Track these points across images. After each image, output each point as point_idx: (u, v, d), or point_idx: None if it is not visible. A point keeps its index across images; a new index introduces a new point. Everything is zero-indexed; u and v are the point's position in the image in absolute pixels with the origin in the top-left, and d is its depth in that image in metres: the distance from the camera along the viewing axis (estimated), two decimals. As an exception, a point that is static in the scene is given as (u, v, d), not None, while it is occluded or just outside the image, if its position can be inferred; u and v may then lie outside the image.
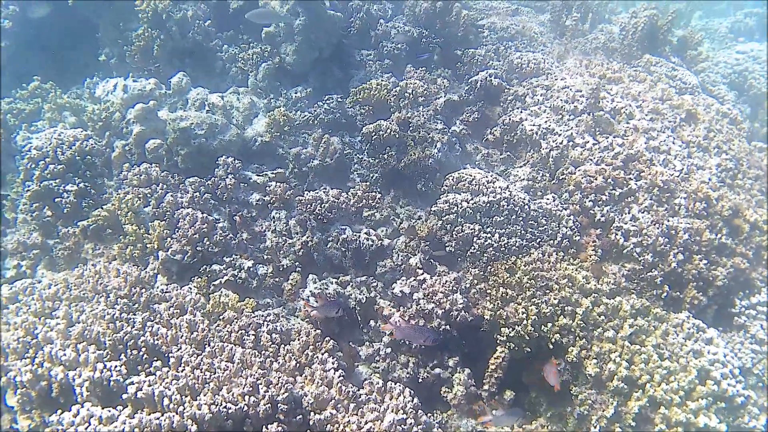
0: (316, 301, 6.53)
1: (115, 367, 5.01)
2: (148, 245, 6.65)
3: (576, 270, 6.71)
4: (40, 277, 6.79)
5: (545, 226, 7.05)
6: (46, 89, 8.95)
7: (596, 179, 7.32)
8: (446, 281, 6.60)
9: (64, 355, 5.04)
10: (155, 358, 5.32)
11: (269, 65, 9.44)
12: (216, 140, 7.95)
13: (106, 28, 9.74)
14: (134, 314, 5.72)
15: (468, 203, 7.04)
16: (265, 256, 7.19)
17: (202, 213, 6.83)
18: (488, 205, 7.01)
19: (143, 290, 5.97)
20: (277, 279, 6.98)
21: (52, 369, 4.96)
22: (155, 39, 9.33)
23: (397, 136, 8.01)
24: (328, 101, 8.91)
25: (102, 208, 6.89)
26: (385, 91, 8.69)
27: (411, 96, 8.52)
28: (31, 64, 9.79)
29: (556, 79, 8.74)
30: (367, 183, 8.01)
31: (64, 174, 7.13)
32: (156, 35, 9.34)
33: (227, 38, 10.08)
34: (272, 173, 7.91)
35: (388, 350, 6.32)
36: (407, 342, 6.26)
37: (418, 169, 7.95)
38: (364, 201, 7.69)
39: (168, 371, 5.04)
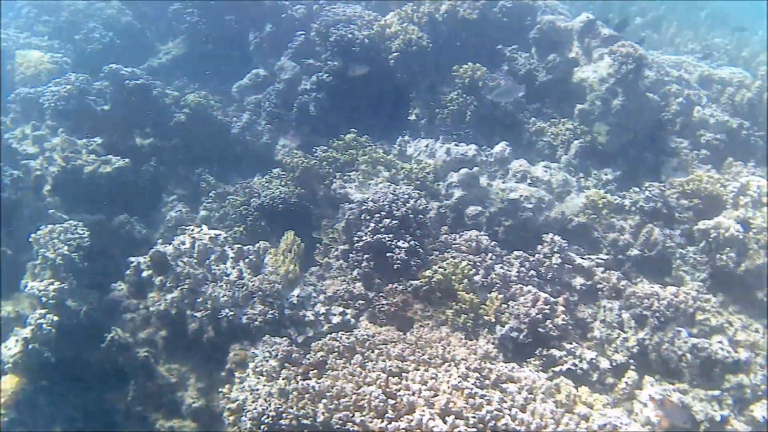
0: (659, 407, 5.89)
1: (487, 449, 4.67)
2: (484, 316, 6.37)
3: None
4: (364, 328, 6.67)
5: None
6: (361, 142, 9.14)
7: None
8: (818, 414, 5.71)
9: (435, 426, 4.77)
10: (515, 446, 4.93)
11: (582, 143, 9.09)
12: (542, 216, 7.65)
13: (420, 90, 9.90)
14: (486, 391, 5.37)
15: None
16: (586, 345, 6.68)
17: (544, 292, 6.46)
18: None
19: (492, 366, 5.63)
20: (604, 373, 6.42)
21: (425, 439, 4.71)
22: (469, 105, 9.33)
23: (740, 237, 7.27)
24: (649, 188, 8.33)
25: (436, 271, 6.72)
26: (719, 185, 8.00)
27: (755, 195, 7.74)
28: (340, 116, 10.15)
29: None
30: (699, 283, 7.30)
31: (397, 230, 7.07)
32: (470, 101, 9.34)
33: (533, 111, 9.89)
34: (599, 258, 7.43)
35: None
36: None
37: (759, 276, 7.14)
38: (698, 303, 6.97)
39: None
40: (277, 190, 8.65)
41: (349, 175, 8.80)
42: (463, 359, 5.63)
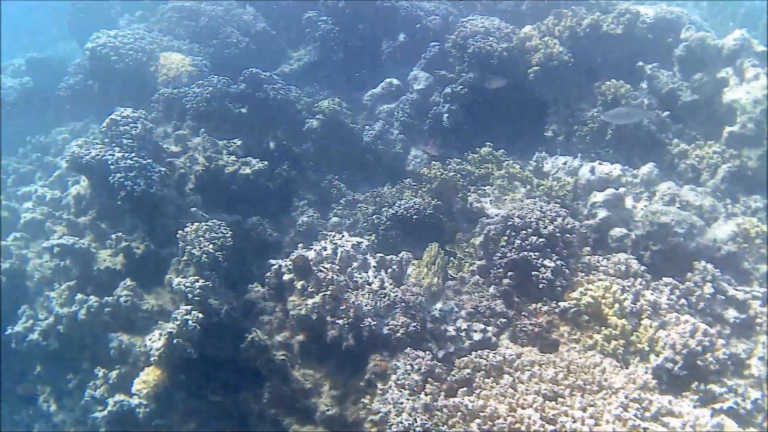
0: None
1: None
2: (636, 344, 6.13)
3: None
4: (507, 348, 6.53)
5: None
6: (497, 156, 9.02)
7: None
8: None
9: (601, 457, 4.60)
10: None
11: (730, 168, 8.66)
12: (694, 242, 7.30)
13: (558, 106, 9.71)
14: (648, 424, 5.15)
15: None
16: (737, 381, 6.32)
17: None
18: None
19: (651, 397, 5.39)
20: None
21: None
22: (610, 123, 9.06)
23: None
24: (810, 220, 7.87)
25: (585, 293, 6.53)
26: None
27: None
28: (474, 129, 10.08)
29: None
30: None
31: (543, 248, 6.92)
32: (612, 120, 9.08)
33: (675, 132, 9.50)
34: (755, 291, 7.03)
35: None
36: None
37: None
38: None
39: None
40: (411, 201, 8.61)
41: (484, 189, 8.68)
42: (621, 388, 5.42)
